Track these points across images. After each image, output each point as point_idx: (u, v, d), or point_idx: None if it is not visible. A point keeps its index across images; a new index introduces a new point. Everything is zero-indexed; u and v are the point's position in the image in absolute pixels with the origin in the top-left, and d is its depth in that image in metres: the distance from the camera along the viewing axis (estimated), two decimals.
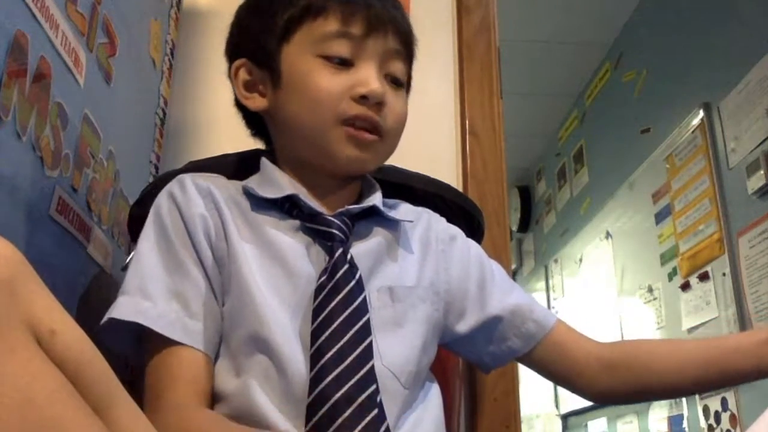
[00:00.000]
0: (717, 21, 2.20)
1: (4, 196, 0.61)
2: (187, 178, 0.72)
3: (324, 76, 0.70)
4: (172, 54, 1.23)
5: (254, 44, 0.75)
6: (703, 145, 2.18)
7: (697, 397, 2.15)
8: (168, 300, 0.64)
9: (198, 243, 0.67)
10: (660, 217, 2.46)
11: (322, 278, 0.66)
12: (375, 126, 0.71)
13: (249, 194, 0.72)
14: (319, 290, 0.66)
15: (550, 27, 2.94)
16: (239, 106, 0.80)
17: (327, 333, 0.63)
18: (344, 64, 0.71)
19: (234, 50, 0.78)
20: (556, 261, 3.68)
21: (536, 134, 3.80)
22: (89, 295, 0.81)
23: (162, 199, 0.70)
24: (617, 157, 2.90)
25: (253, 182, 0.74)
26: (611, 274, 2.88)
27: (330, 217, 0.70)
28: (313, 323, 0.64)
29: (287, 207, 0.71)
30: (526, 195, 4.29)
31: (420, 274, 0.74)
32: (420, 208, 0.83)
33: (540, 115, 3.61)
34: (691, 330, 2.18)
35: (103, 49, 0.84)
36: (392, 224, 0.76)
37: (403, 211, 0.80)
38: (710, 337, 2.06)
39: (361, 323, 0.64)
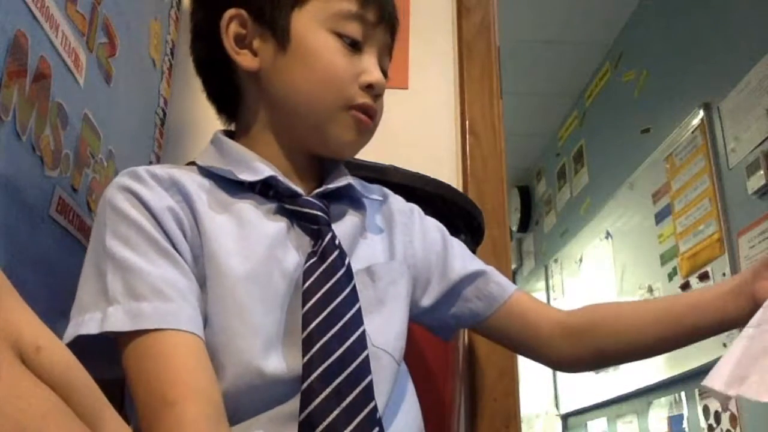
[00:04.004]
0: (717, 21, 2.20)
1: (4, 196, 0.61)
2: (140, 169, 0.63)
3: (338, 56, 0.68)
4: (172, 54, 1.23)
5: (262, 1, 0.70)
6: (703, 145, 2.18)
7: (697, 397, 2.15)
8: (183, 296, 0.57)
9: (174, 237, 0.60)
10: (660, 217, 2.46)
11: (312, 260, 0.63)
12: (373, 116, 0.71)
13: (217, 177, 0.67)
14: (308, 273, 0.62)
15: (550, 27, 2.94)
16: (207, 72, 0.76)
17: (319, 319, 0.59)
18: (354, 47, 0.69)
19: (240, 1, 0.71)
20: (556, 261, 3.69)
21: (536, 134, 3.80)
22: None
23: (114, 195, 0.60)
24: (617, 157, 2.90)
25: (215, 162, 0.68)
26: (611, 274, 2.88)
27: (311, 199, 0.67)
28: (304, 306, 0.60)
29: (259, 188, 0.67)
30: (526, 195, 4.29)
31: (391, 250, 0.73)
32: (374, 185, 0.80)
33: (540, 115, 3.61)
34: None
35: (103, 49, 0.84)
36: (359, 203, 0.74)
37: (362, 188, 0.76)
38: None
39: (353, 311, 0.62)
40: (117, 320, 0.54)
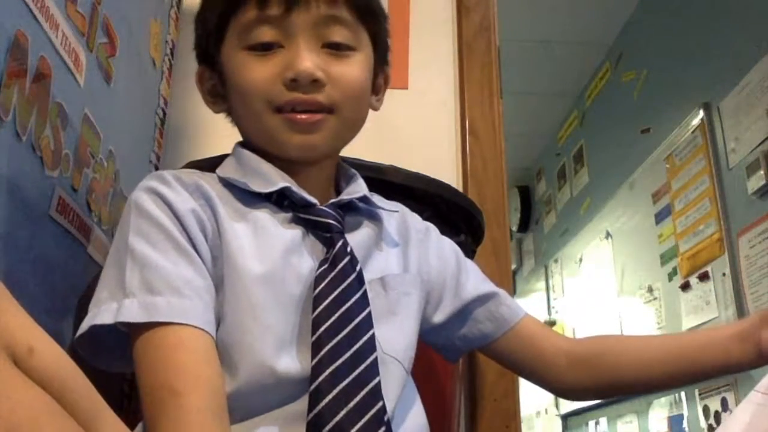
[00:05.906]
0: (717, 21, 2.20)
1: (4, 196, 0.61)
2: (166, 173, 0.66)
3: (251, 67, 0.68)
4: (172, 54, 1.23)
5: (202, 49, 0.75)
6: (703, 145, 2.18)
7: (697, 397, 2.15)
8: (198, 294, 0.59)
9: (195, 238, 0.62)
10: (660, 217, 2.46)
11: (323, 267, 0.64)
12: (318, 107, 0.68)
13: (235, 187, 0.69)
14: (319, 279, 0.63)
15: (550, 27, 2.94)
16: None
17: (328, 323, 0.61)
18: (271, 49, 0.68)
19: (197, 58, 0.78)
20: (556, 261, 3.69)
21: (536, 134, 3.80)
22: (89, 295, 0.81)
23: (141, 196, 0.63)
24: (617, 157, 2.90)
25: (233, 173, 0.70)
26: (611, 274, 2.88)
27: (325, 208, 0.69)
28: (314, 311, 0.61)
29: (275, 198, 0.69)
30: (526, 195, 4.29)
31: (405, 264, 0.74)
32: (392, 202, 0.80)
33: (540, 115, 3.61)
34: (691, 330, 2.18)
35: (103, 49, 0.84)
36: (374, 215, 0.75)
37: (380, 202, 0.77)
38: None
39: (363, 315, 0.63)
40: (131, 311, 0.56)
